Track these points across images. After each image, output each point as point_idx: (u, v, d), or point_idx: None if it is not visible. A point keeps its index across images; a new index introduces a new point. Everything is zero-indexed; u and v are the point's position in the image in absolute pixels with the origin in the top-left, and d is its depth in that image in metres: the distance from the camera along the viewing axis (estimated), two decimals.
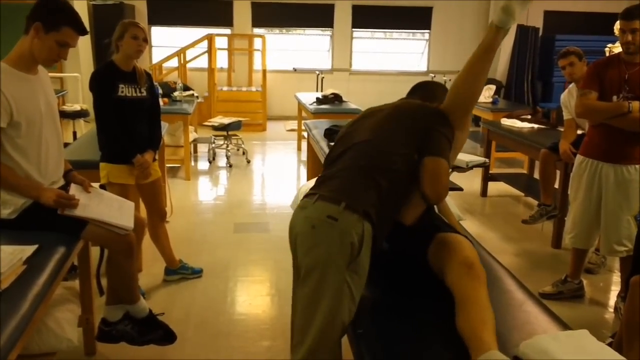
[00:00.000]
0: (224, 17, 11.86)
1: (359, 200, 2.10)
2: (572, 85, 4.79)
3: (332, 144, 2.55)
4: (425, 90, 2.61)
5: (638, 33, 3.40)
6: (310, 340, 2.05)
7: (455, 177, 5.09)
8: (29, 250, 2.36)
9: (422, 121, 2.30)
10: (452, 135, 2.33)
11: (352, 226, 2.05)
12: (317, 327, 2.04)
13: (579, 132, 4.74)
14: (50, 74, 3.00)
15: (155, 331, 2.97)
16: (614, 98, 3.55)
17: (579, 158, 3.88)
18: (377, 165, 2.20)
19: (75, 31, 2.67)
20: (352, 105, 7.93)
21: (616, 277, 4.42)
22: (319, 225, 2.09)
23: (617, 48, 5.86)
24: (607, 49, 6.36)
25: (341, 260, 2.03)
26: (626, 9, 3.45)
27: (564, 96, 4.91)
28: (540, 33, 11.68)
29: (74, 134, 7.92)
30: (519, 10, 2.20)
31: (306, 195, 2.26)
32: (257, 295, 4.04)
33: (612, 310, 3.92)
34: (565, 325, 2.08)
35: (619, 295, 3.85)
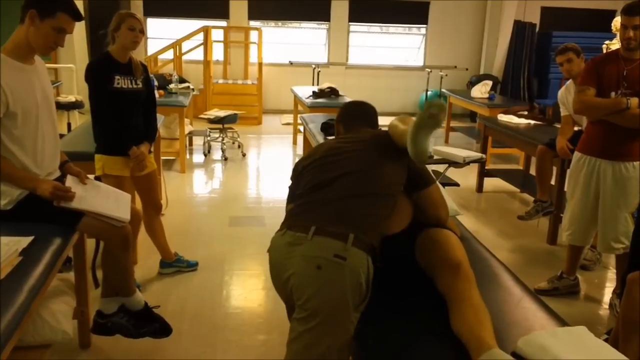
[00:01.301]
0: (220, 10, 11.81)
1: (365, 232, 2.05)
2: (569, 82, 4.78)
3: (295, 172, 2.46)
4: (367, 117, 2.66)
5: (639, 29, 3.39)
6: None
7: (451, 173, 5.10)
8: (24, 241, 2.35)
9: (404, 153, 2.29)
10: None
11: (360, 265, 1.99)
12: None
13: (576, 128, 4.74)
14: (45, 65, 2.97)
15: (151, 324, 2.96)
16: (612, 94, 3.54)
17: (576, 155, 3.88)
18: (375, 193, 2.20)
19: (71, 16, 2.65)
20: (348, 99, 7.89)
21: (611, 274, 4.44)
22: (326, 265, 1.97)
23: (615, 45, 5.86)
24: (604, 45, 6.37)
25: (351, 304, 1.98)
26: (628, 5, 3.44)
27: (561, 92, 4.90)
28: (537, 29, 11.67)
29: (69, 125, 7.89)
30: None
31: (290, 227, 2.13)
32: (253, 289, 4.03)
33: (607, 306, 3.93)
34: (563, 322, 2.08)
35: (614, 292, 3.87)
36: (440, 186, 2.59)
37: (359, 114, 2.68)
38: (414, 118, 2.23)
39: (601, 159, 3.69)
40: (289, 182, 2.51)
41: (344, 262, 1.96)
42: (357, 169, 2.24)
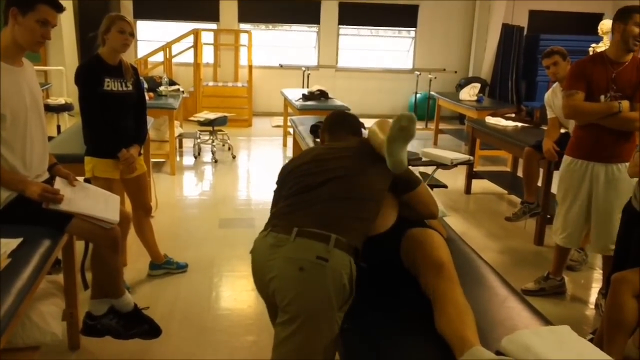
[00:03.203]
0: (210, 12, 11.81)
1: (347, 234, 2.07)
2: (555, 85, 4.82)
3: (281, 175, 2.50)
4: (351, 125, 2.74)
5: None
6: None
7: (439, 175, 5.12)
8: (13, 243, 2.35)
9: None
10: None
11: (342, 266, 2.01)
12: None
13: (562, 130, 4.78)
14: (34, 67, 2.98)
15: (140, 325, 2.97)
16: (602, 98, 3.56)
17: (567, 159, 3.87)
18: (360, 197, 2.23)
19: (52, 7, 2.66)
20: (338, 102, 7.93)
21: (597, 274, 4.48)
22: (308, 267, 1.98)
23: (601, 48, 5.93)
24: (590, 48, 6.44)
25: (335, 305, 2.00)
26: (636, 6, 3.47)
27: (547, 95, 4.94)
28: (525, 32, 11.75)
29: (58, 127, 7.87)
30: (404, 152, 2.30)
31: (272, 228, 2.15)
32: (242, 291, 4.04)
33: (592, 306, 3.97)
34: (547, 321, 2.11)
35: (599, 292, 3.90)
36: (428, 188, 2.64)
37: (343, 123, 2.75)
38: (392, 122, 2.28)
39: (593, 162, 3.70)
40: (275, 187, 2.54)
41: (326, 263, 1.97)
42: (342, 175, 2.27)
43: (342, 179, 2.26)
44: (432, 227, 2.51)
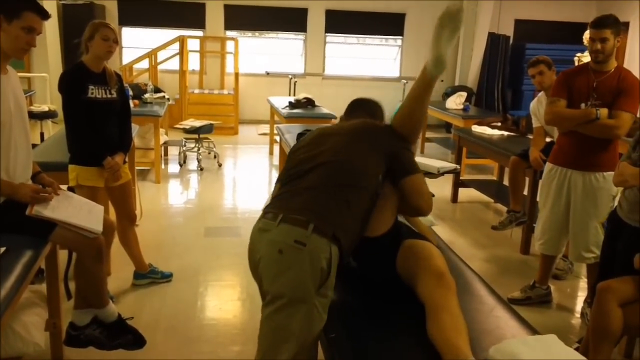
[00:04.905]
0: (196, 19, 11.78)
1: (328, 222, 2.08)
2: (541, 94, 4.86)
3: (289, 157, 2.52)
4: (368, 108, 2.71)
5: (607, 42, 3.47)
6: None
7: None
8: None
9: (387, 142, 2.39)
10: (414, 151, 2.49)
11: (321, 250, 2.03)
12: (288, 351, 2.03)
13: (548, 139, 4.81)
14: (18, 74, 2.95)
15: (125, 336, 2.93)
16: (582, 105, 3.61)
17: (548, 166, 3.94)
18: (348, 184, 2.22)
19: (37, 14, 2.65)
20: (325, 110, 7.93)
21: (583, 283, 4.50)
22: (286, 250, 2.03)
23: (586, 57, 5.97)
24: (576, 58, 6.49)
25: (311, 287, 2.02)
26: (596, 18, 3.53)
27: (533, 104, 4.98)
28: (511, 41, 11.84)
29: (42, 135, 7.80)
30: (447, 59, 2.31)
31: (265, 214, 2.20)
32: (228, 300, 4.02)
33: (578, 315, 3.98)
34: (534, 330, 2.11)
35: (585, 301, 3.92)
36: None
37: (362, 106, 2.73)
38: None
39: (572, 170, 3.75)
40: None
41: (304, 247, 2.01)
42: (331, 160, 2.27)
43: (331, 164, 2.26)
44: (427, 239, 2.48)
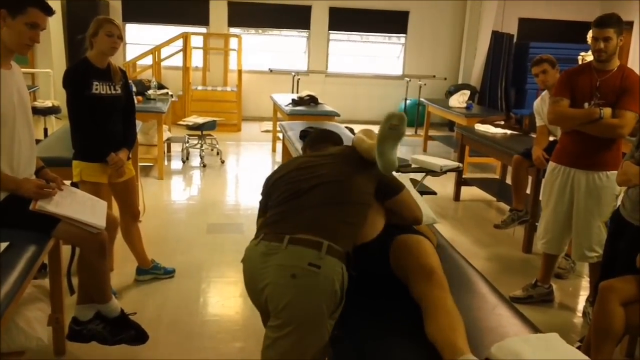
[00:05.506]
0: (199, 16, 11.78)
1: (339, 241, 2.07)
2: (544, 93, 4.85)
3: (266, 185, 2.50)
4: (332, 139, 2.79)
5: (610, 41, 3.46)
6: None
7: (429, 181, 5.13)
8: None
9: (372, 165, 2.39)
10: None
11: (334, 273, 2.02)
12: None
13: (551, 138, 4.81)
14: (22, 70, 2.96)
15: (127, 331, 2.94)
16: (586, 105, 3.60)
17: (551, 165, 3.93)
18: (348, 201, 2.24)
19: (41, 10, 2.65)
20: (328, 108, 7.93)
21: (585, 282, 4.50)
22: (300, 274, 1.99)
23: (590, 56, 5.95)
24: (580, 57, 6.48)
25: (326, 312, 2.01)
26: (599, 17, 3.52)
27: (536, 103, 4.97)
28: (515, 40, 11.81)
29: (45, 130, 7.81)
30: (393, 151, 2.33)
31: (264, 236, 2.14)
32: (230, 297, 4.02)
33: (580, 314, 3.98)
34: (535, 329, 2.11)
35: (587, 300, 3.92)
36: (418, 194, 2.64)
37: (325, 137, 2.81)
38: (377, 132, 2.30)
39: (575, 169, 3.75)
40: (260, 198, 2.54)
41: (319, 270, 1.98)
42: (331, 180, 2.28)
43: (330, 184, 2.26)
44: (421, 233, 2.50)
